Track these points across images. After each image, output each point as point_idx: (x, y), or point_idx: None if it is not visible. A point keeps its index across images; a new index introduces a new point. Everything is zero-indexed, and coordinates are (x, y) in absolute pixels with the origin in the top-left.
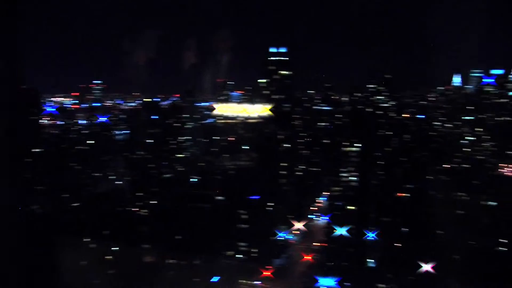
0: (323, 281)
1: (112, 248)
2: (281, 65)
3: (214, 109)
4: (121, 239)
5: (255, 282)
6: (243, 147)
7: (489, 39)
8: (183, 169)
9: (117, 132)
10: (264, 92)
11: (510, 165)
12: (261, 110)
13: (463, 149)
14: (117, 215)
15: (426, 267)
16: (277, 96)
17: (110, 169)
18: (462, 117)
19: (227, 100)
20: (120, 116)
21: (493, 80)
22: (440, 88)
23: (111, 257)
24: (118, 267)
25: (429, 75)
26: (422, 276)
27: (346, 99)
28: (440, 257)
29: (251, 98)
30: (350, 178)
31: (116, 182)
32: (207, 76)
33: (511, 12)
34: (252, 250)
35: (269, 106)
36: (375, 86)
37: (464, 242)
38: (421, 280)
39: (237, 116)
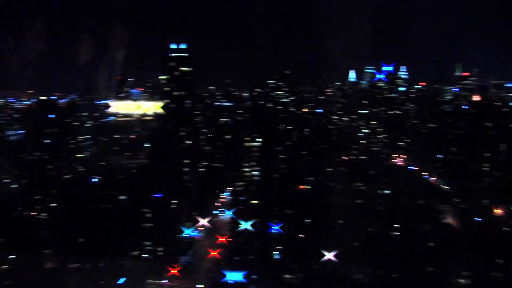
0: (231, 275)
1: (9, 257)
2: (182, 61)
3: (109, 107)
4: (19, 246)
5: (162, 281)
6: (145, 145)
7: (380, 37)
8: (84, 169)
9: (10, 133)
10: (165, 89)
11: (401, 156)
12: (157, 107)
13: (360, 141)
14: (13, 221)
15: (329, 255)
16: (177, 93)
17: (4, 172)
18: (358, 111)
19: (127, 97)
20: (14, 115)
21: (384, 76)
22: (337, 83)
23: (7, 266)
24: (16, 276)
25: (327, 71)
26: (326, 264)
27: (247, 94)
28: (341, 245)
29: (152, 95)
30: (252, 173)
31: (11, 186)
32: (105, 73)
33: (397, 11)
34: (158, 249)
35: (161, 103)
36: (275, 81)
37: (363, 230)
38: (325, 268)
39: (137, 114)
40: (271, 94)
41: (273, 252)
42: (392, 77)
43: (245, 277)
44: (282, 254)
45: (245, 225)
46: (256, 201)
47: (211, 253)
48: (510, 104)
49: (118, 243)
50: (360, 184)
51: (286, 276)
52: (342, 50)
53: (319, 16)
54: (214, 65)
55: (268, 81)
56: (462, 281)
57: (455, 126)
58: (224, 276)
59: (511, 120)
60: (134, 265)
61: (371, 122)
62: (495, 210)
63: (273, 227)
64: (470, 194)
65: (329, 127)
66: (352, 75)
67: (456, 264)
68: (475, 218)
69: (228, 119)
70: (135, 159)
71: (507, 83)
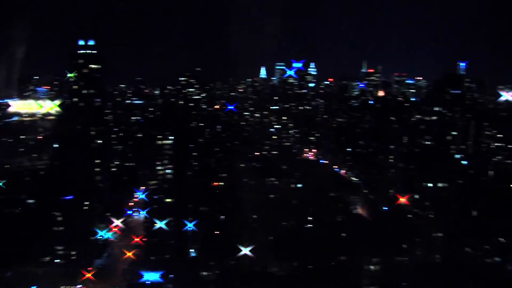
0: (148, 275)
1: None
2: (90, 58)
3: (10, 106)
4: None
5: (76, 286)
6: (53, 145)
7: (291, 34)
8: None
9: None
10: (74, 87)
11: (312, 150)
12: (56, 106)
13: (272, 136)
14: None
15: (245, 250)
16: (86, 91)
17: None
18: (269, 107)
19: (32, 96)
20: None
21: (294, 73)
22: (248, 80)
23: None
24: None
25: (238, 67)
26: (242, 260)
27: (158, 92)
28: (256, 239)
29: (60, 93)
30: (165, 171)
31: None
32: (4, 71)
33: (307, 9)
34: (70, 253)
35: (59, 102)
36: (186, 78)
37: (277, 223)
38: (242, 263)
39: (41, 113)
40: (183, 91)
41: (189, 250)
42: (301, 74)
43: (162, 276)
44: (198, 252)
45: (160, 224)
46: (170, 200)
47: (127, 254)
48: (412, 99)
49: (27, 250)
50: (273, 179)
51: (203, 273)
52: (253, 47)
53: (229, 13)
54: (124, 62)
55: (179, 78)
56: (372, 267)
57: (362, 120)
58: (141, 276)
59: (413, 114)
60: (46, 271)
61: (282, 117)
62: (400, 199)
63: (188, 225)
64: (377, 185)
65: (241, 123)
66: (263, 72)
67: (367, 252)
68: (383, 208)
69: (139, 117)
70: (43, 160)
71: (408, 80)
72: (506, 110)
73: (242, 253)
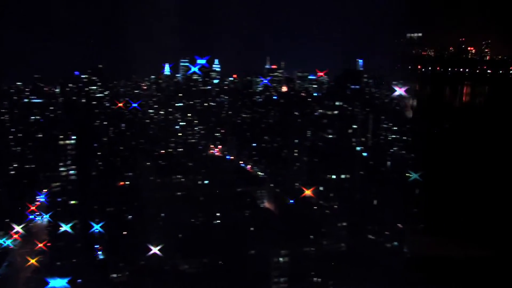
0: (54, 282)
1: None
2: None
3: None
4: None
5: None
6: None
7: (194, 30)
8: None
9: None
10: None
11: (218, 146)
12: None
13: (177, 134)
14: None
15: (155, 249)
16: None
17: None
18: (174, 104)
19: None
20: None
21: (198, 69)
22: (152, 77)
23: None
24: None
25: (142, 64)
26: (152, 259)
27: (58, 90)
28: (165, 238)
29: None
30: (69, 172)
31: None
32: None
33: (207, 6)
34: None
35: None
36: (87, 76)
37: (186, 221)
38: (152, 263)
39: None
40: (85, 89)
41: (97, 252)
42: (205, 70)
43: (70, 282)
44: (107, 254)
45: (65, 227)
46: (74, 201)
47: (30, 262)
48: (314, 94)
49: None
50: (179, 176)
51: (113, 275)
52: (156, 44)
53: (130, 8)
54: (20, 58)
55: (81, 76)
56: (281, 259)
57: (266, 116)
58: (47, 284)
59: (315, 109)
60: None
61: (187, 114)
62: (305, 191)
63: (94, 227)
64: (283, 178)
65: (146, 121)
66: (167, 69)
67: (275, 244)
68: (289, 201)
69: (39, 117)
70: None
71: (310, 75)
72: (400, 104)
73: (151, 252)
